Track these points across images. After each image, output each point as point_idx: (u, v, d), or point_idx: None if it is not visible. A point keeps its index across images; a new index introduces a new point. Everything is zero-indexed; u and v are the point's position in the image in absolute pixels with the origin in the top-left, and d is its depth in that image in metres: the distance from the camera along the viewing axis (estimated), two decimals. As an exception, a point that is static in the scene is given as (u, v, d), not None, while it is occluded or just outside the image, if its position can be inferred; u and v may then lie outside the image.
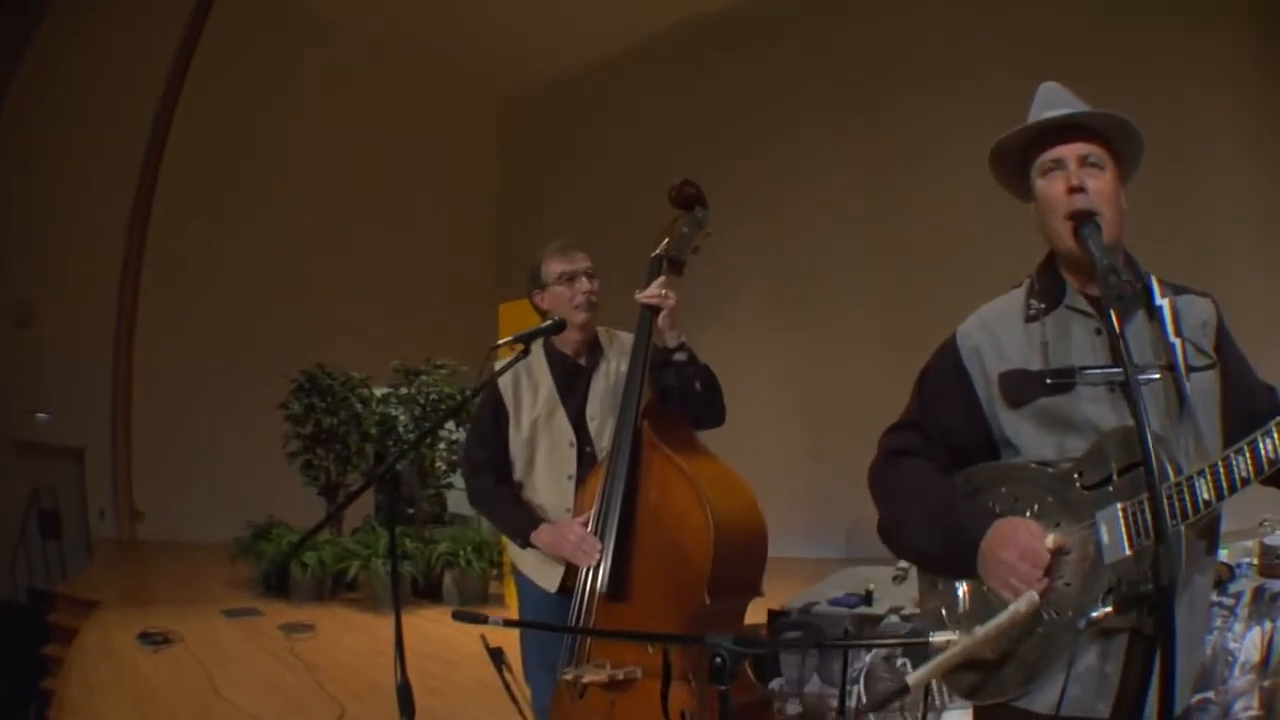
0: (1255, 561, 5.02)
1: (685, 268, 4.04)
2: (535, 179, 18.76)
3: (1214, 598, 4.74)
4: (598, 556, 3.77)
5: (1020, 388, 2.56)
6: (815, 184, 14.79)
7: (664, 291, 3.89)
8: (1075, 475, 2.45)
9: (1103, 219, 2.45)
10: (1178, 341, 2.45)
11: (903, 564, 5.50)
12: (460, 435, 12.32)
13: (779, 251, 14.63)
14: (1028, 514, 2.51)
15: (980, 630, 2.29)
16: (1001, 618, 2.31)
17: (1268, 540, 4.70)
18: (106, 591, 11.61)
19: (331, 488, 13.00)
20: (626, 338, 4.24)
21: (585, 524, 3.88)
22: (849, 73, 14.66)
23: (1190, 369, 2.46)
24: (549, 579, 4.16)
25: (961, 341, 2.73)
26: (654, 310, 3.89)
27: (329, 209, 17.72)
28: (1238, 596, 4.89)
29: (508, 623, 2.91)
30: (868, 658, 4.80)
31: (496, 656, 3.18)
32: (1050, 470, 2.52)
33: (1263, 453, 2.20)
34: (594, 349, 4.39)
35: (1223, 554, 4.45)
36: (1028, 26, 13.28)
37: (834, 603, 5.05)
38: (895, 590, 5.28)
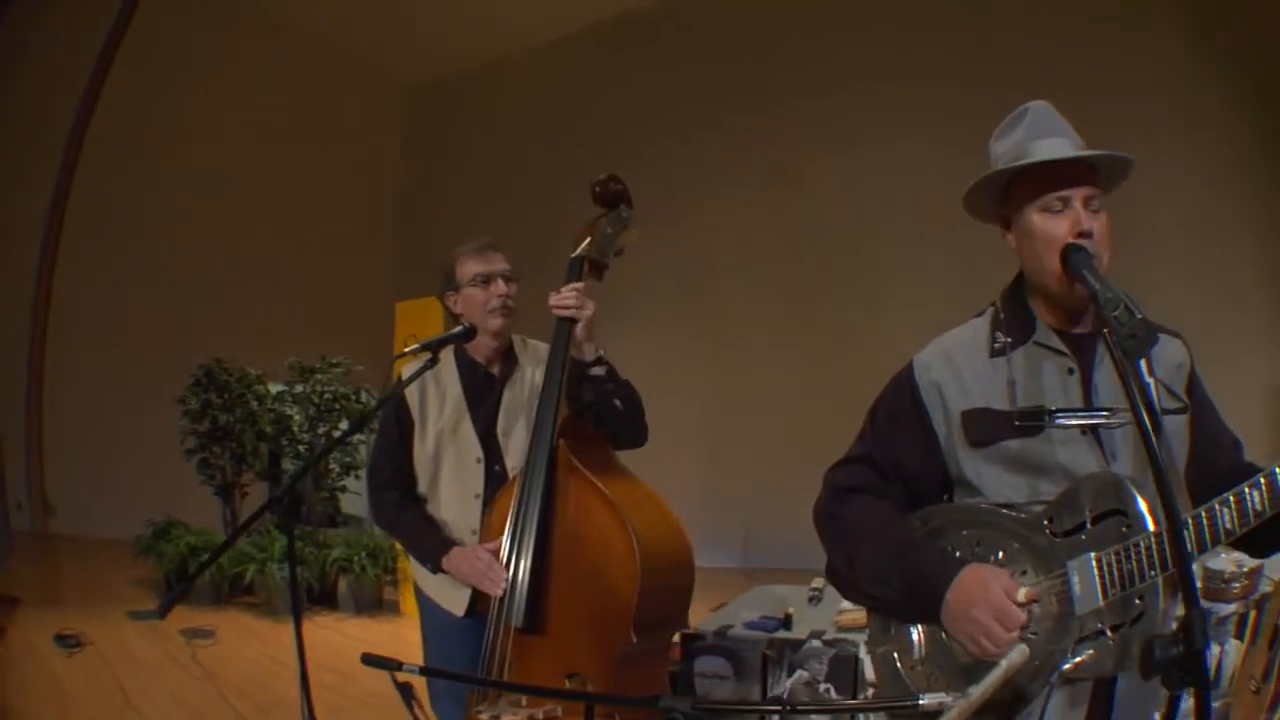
0: (1200, 585, 4.95)
1: (607, 271, 3.79)
2: (438, 175, 18.42)
3: None
4: (504, 587, 3.51)
5: (985, 428, 2.44)
6: (719, 185, 14.72)
7: (579, 299, 3.61)
8: (1045, 521, 2.32)
9: (1099, 263, 2.32)
10: (1152, 382, 2.26)
11: (817, 584, 5.38)
12: (356, 438, 12.15)
13: (680, 252, 14.40)
14: (991, 560, 2.37)
15: (975, 690, 2.10)
16: (995, 675, 2.13)
17: (1211, 564, 4.61)
18: (26, 588, 11.39)
19: (227, 487, 12.68)
20: (543, 347, 4.01)
21: (496, 550, 3.61)
22: (755, 75, 14.62)
23: (1164, 411, 2.33)
24: (456, 603, 3.94)
25: (919, 373, 2.59)
26: (570, 320, 3.62)
27: (236, 201, 17.29)
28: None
29: (422, 670, 2.67)
30: (789, 682, 4.59)
31: (406, 693, 2.94)
32: (1016, 514, 2.38)
33: (1249, 506, 2.09)
34: (507, 357, 4.14)
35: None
36: (945, 32, 13.29)
37: (750, 625, 4.83)
38: (813, 612, 5.12)
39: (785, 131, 14.20)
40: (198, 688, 7.83)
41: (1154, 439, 1.99)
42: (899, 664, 2.50)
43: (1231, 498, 2.09)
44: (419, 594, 4.17)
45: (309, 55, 17.70)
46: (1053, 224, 2.37)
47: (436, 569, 3.87)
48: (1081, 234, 2.33)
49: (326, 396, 12.21)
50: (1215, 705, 4.81)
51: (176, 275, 16.69)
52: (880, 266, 13.37)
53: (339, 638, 9.43)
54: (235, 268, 17.18)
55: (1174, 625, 2.42)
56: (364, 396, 12.42)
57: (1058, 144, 2.41)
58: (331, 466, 12.15)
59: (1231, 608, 4.86)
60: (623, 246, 3.82)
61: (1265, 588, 4.92)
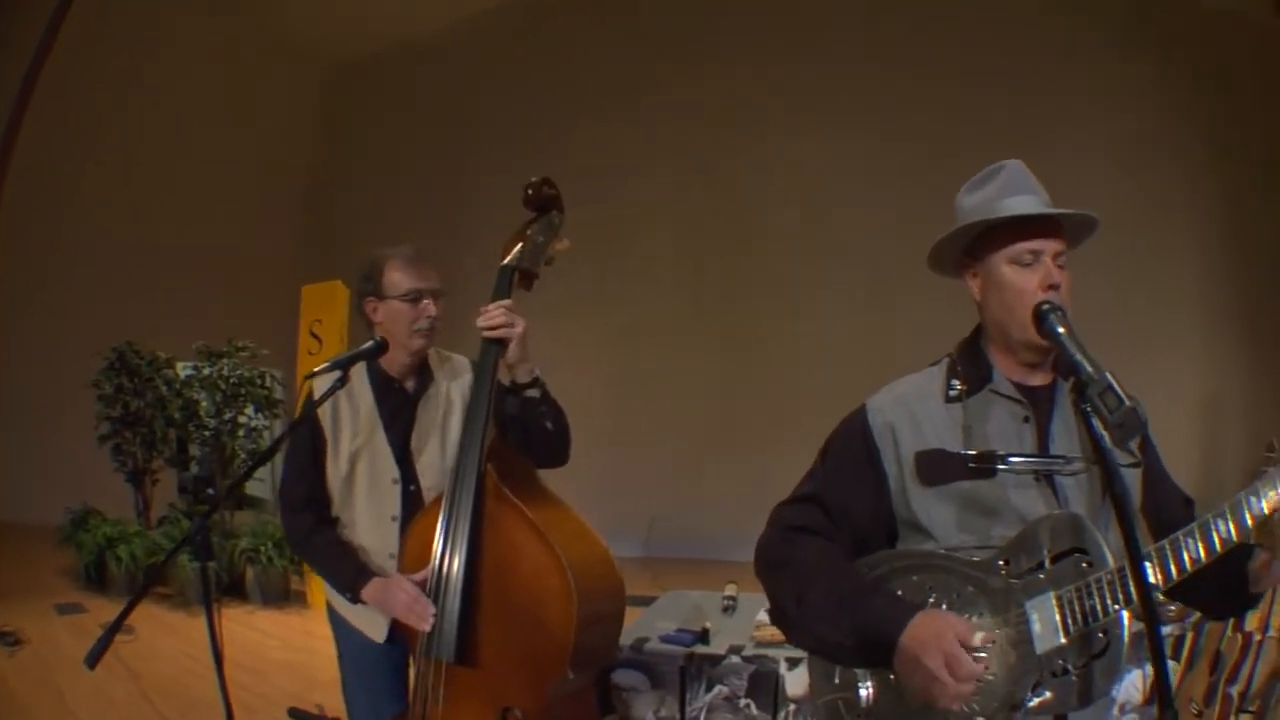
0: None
1: (537, 281, 3.65)
2: (350, 156, 18.08)
3: None
4: (431, 621, 3.35)
5: (939, 468, 2.44)
6: (621, 170, 14.63)
7: (510, 316, 3.47)
8: (1000, 563, 2.33)
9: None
10: (1106, 434, 2.28)
11: (730, 592, 5.38)
12: (260, 422, 12.14)
13: (587, 237, 14.23)
14: (944, 606, 2.36)
15: None
16: None
17: (1144, 584, 4.72)
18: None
19: (138, 474, 12.46)
20: (460, 360, 3.93)
21: (422, 582, 3.43)
22: (672, 60, 14.51)
23: (1119, 465, 2.36)
24: (375, 629, 3.79)
25: (872, 416, 2.58)
26: (500, 341, 3.48)
27: (151, 180, 16.86)
28: None
29: None
30: (708, 697, 4.60)
31: None
32: (967, 558, 2.39)
33: (1215, 536, 2.13)
34: (422, 371, 3.92)
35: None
36: (870, 20, 13.38)
37: (667, 639, 4.80)
38: (730, 624, 5.11)
39: (698, 119, 14.15)
40: (123, 688, 7.71)
41: (1118, 479, 2.10)
42: (845, 714, 2.49)
43: (1197, 528, 2.14)
44: (333, 615, 3.99)
45: (228, 33, 17.25)
46: (1024, 277, 2.42)
47: (355, 599, 3.67)
48: (1051, 287, 2.38)
49: (233, 381, 12.03)
50: (1151, 725, 4.92)
51: (95, 255, 16.37)
52: (790, 255, 13.43)
53: (250, 632, 9.33)
54: (151, 248, 16.84)
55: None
56: (269, 381, 12.29)
57: (1031, 201, 2.46)
58: (239, 454, 11.98)
59: (1167, 630, 4.93)
60: (554, 255, 3.70)
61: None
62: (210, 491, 11.91)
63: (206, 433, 12.01)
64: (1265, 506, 2.12)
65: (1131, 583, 2.12)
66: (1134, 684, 4.92)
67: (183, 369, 12.60)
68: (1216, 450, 12.45)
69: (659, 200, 14.35)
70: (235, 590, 10.90)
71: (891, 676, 2.37)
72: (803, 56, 13.54)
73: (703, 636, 4.79)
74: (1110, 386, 2.09)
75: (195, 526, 3.31)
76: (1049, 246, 2.43)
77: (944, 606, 2.35)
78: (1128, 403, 2.06)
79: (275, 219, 18.59)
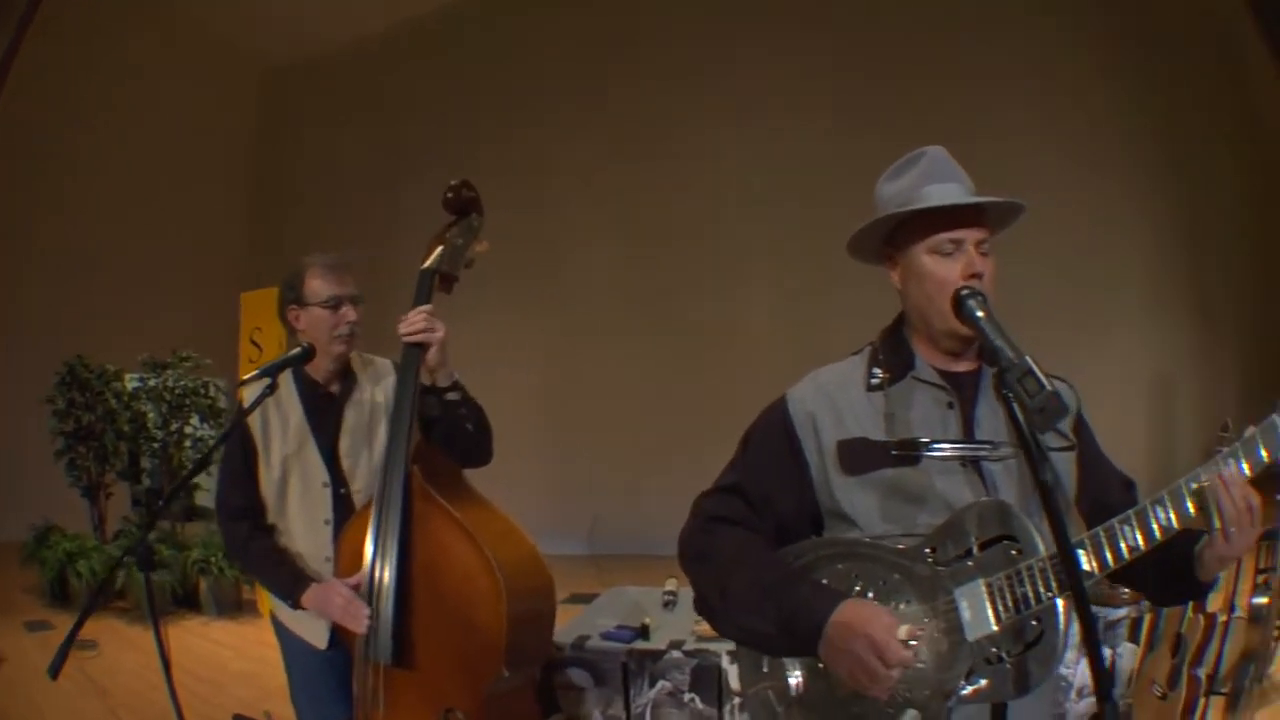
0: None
1: (456, 284, 3.66)
2: (291, 161, 17.89)
3: None
4: (367, 623, 3.38)
5: (862, 457, 2.38)
6: (560, 171, 14.55)
7: (430, 321, 3.49)
8: (927, 550, 2.27)
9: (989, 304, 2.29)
10: (1027, 419, 2.21)
11: (670, 586, 5.35)
12: (205, 432, 12.00)
13: (526, 234, 14.03)
14: (870, 594, 2.30)
15: None
16: None
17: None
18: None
19: (93, 489, 12.33)
20: (382, 364, 3.95)
21: (356, 585, 3.45)
22: (610, 54, 14.42)
23: (1049, 448, 2.31)
24: (316, 635, 3.80)
25: (793, 406, 2.51)
26: (421, 345, 3.49)
27: (96, 188, 16.61)
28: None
29: None
30: (652, 693, 4.59)
31: None
32: (893, 545, 2.32)
33: (1154, 523, 2.12)
34: (345, 375, 3.95)
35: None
36: (812, 14, 13.28)
37: (607, 636, 4.77)
38: (670, 618, 5.10)
39: (638, 112, 14.06)
40: (94, 704, 7.71)
41: (1043, 466, 2.01)
42: (775, 704, 2.43)
43: (1135, 515, 2.12)
44: (276, 623, 4.00)
45: (167, 41, 17.10)
46: (945, 266, 2.36)
47: (296, 606, 3.69)
48: (973, 275, 2.32)
49: (177, 392, 11.98)
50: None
51: (47, 269, 16.25)
52: (730, 252, 13.39)
53: (205, 643, 9.31)
54: (98, 260, 16.62)
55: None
56: (212, 390, 12.22)
57: (951, 189, 2.40)
58: (186, 464, 11.84)
59: (1123, 612, 4.91)
60: (473, 258, 3.71)
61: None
62: (161, 503, 11.74)
63: (155, 444, 11.94)
64: (1214, 515, 2.12)
65: (1075, 565, 2.05)
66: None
67: (130, 381, 12.51)
68: (1168, 431, 12.55)
69: (597, 200, 14.26)
70: (190, 602, 10.85)
71: (820, 665, 2.32)
72: (742, 51, 13.48)
73: (643, 632, 4.78)
74: (1030, 371, 2.03)
75: (136, 539, 3.25)
76: (970, 235, 2.37)
77: (870, 595, 2.31)
78: (1049, 387, 2.00)
79: (217, 226, 18.38)
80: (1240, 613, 4.92)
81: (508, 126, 14.80)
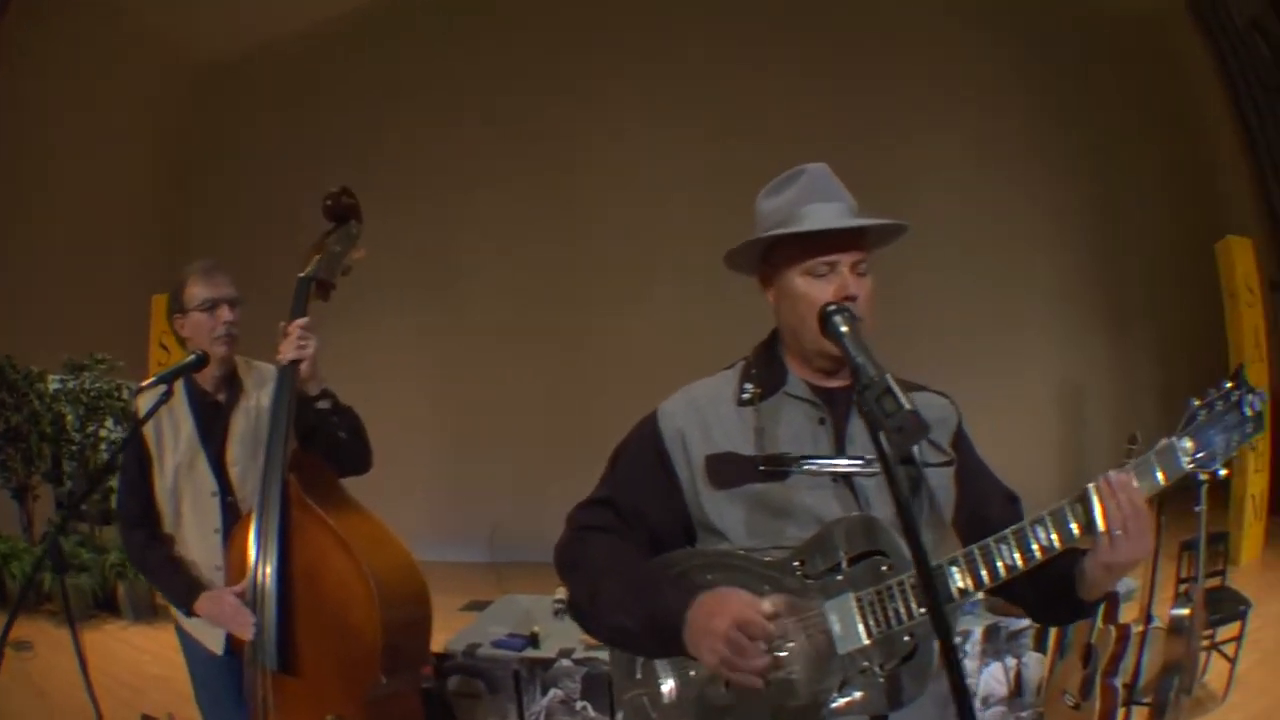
0: (981, 598, 4.98)
1: (333, 291, 3.69)
2: (217, 162, 17.68)
3: None
4: (253, 630, 3.38)
5: (730, 471, 2.35)
6: (459, 178, 14.19)
7: (303, 341, 3.51)
8: (795, 563, 2.24)
9: (863, 326, 2.23)
10: (886, 439, 2.16)
11: (560, 595, 5.37)
12: (120, 435, 11.81)
13: (424, 242, 13.99)
14: None
15: None
16: None
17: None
18: None
19: (20, 490, 12.14)
20: (266, 369, 3.91)
21: (241, 593, 3.47)
22: (519, 63, 14.22)
23: (925, 464, 2.35)
24: (213, 641, 3.81)
25: (663, 421, 2.48)
26: (295, 362, 3.52)
27: (14, 185, 16.46)
28: (965, 635, 4.93)
29: None
30: (544, 701, 4.69)
31: None
32: (763, 557, 2.29)
33: (1034, 543, 2.10)
34: (232, 383, 3.97)
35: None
36: (725, 24, 13.18)
37: (498, 644, 4.88)
38: (560, 627, 5.15)
39: (536, 123, 13.95)
40: (34, 705, 7.69)
41: (901, 484, 1.94)
42: (649, 710, 2.39)
43: (1013, 535, 2.10)
44: (178, 629, 4.01)
45: (95, 32, 16.93)
46: (817, 288, 2.31)
47: (190, 613, 3.72)
48: (847, 298, 2.27)
49: (94, 394, 11.94)
50: (1024, 715, 4.86)
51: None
52: (629, 262, 13.24)
53: (124, 647, 9.24)
54: (22, 259, 16.38)
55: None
56: (126, 394, 12.05)
57: (830, 209, 2.35)
58: (101, 466, 11.71)
59: (1026, 621, 4.94)
60: (350, 265, 3.72)
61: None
62: (83, 508, 11.57)
63: (74, 447, 11.84)
64: (1098, 516, 2.09)
65: (933, 585, 2.00)
66: (996, 677, 4.86)
67: (53, 382, 12.40)
68: (1079, 440, 12.64)
69: (494, 208, 14.07)
70: (110, 605, 10.71)
71: (692, 671, 2.30)
72: (639, 61, 13.35)
73: (533, 640, 4.88)
74: (889, 389, 1.96)
75: (47, 543, 3.31)
76: (846, 258, 2.33)
77: None
78: (907, 406, 1.94)
79: (137, 225, 18.15)
80: (1159, 623, 4.91)
81: (412, 131, 14.51)
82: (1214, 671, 6.09)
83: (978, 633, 4.89)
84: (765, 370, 2.45)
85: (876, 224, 2.35)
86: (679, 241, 12.49)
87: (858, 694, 2.13)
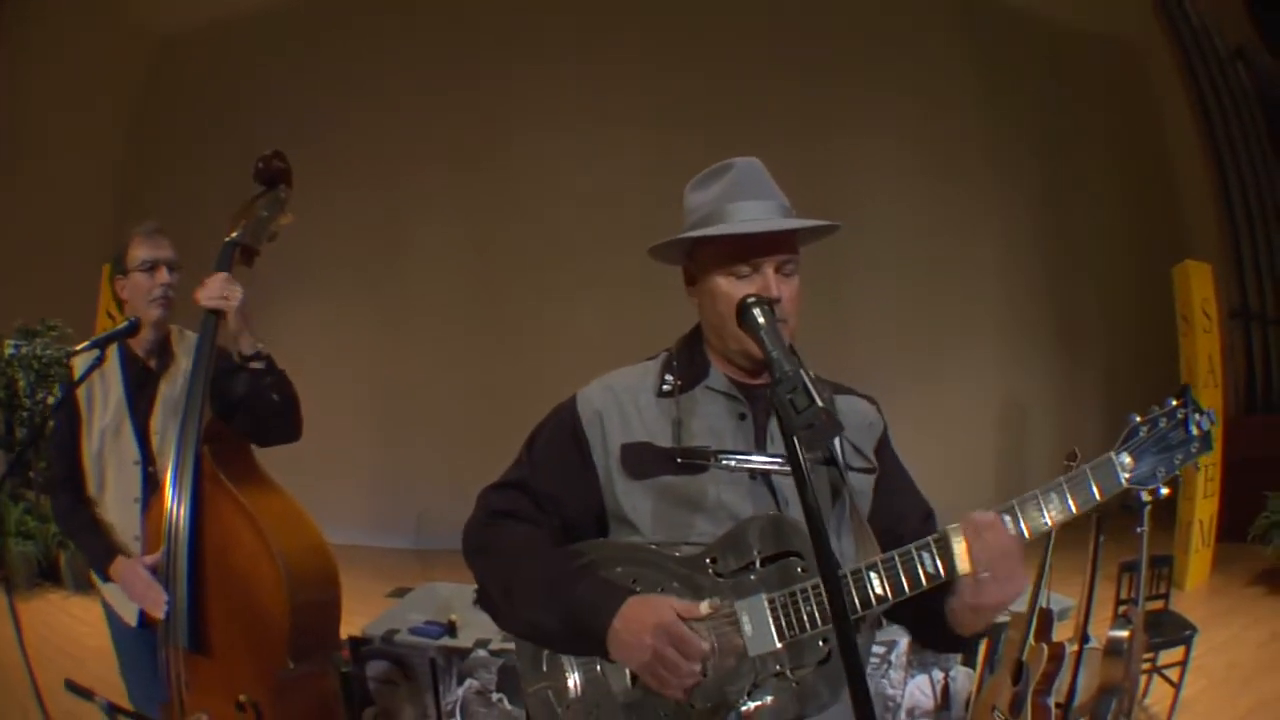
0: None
1: (258, 257, 3.67)
2: (171, 133, 17.56)
3: None
4: (165, 606, 3.35)
5: (645, 461, 2.32)
6: (402, 161, 14.11)
7: (225, 291, 3.48)
8: (707, 560, 2.21)
9: (787, 329, 2.24)
10: (797, 436, 2.14)
11: None
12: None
13: (364, 226, 13.98)
14: None
15: None
16: None
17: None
18: None
19: (-27, 455, 12.21)
20: (195, 338, 3.79)
21: (153, 566, 3.42)
22: (464, 48, 14.07)
23: (848, 467, 2.34)
24: (128, 612, 3.78)
25: (582, 406, 2.44)
26: (217, 314, 3.49)
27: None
28: (890, 645, 4.90)
29: (112, 707, 2.51)
30: (460, 691, 4.69)
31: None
32: (674, 553, 2.25)
33: (919, 569, 2.05)
34: (164, 350, 3.92)
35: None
36: (668, 16, 13.15)
37: (416, 631, 4.90)
38: (478, 616, 5.00)
39: (484, 111, 13.85)
40: None
41: (808, 484, 1.94)
42: (555, 704, 2.35)
43: (933, 542, 2.05)
44: (102, 600, 3.97)
45: (52, 4, 16.77)
46: (740, 289, 2.25)
47: (105, 577, 3.71)
48: (772, 301, 2.21)
49: (45, 361, 11.87)
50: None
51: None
52: (561, 249, 13.16)
53: (65, 617, 9.25)
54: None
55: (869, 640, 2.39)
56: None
57: (757, 208, 2.29)
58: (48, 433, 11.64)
59: (955, 634, 4.85)
60: (276, 231, 3.69)
61: (1001, 616, 4.92)
62: (31, 475, 11.50)
63: (25, 413, 11.79)
64: (960, 559, 2.04)
65: (854, 589, 2.07)
66: (922, 689, 4.83)
67: (8, 347, 12.34)
68: (1020, 457, 12.60)
69: (432, 192, 13.94)
70: (53, 575, 10.74)
71: (598, 666, 2.27)
72: (580, 51, 13.25)
73: (450, 629, 4.88)
74: (803, 385, 1.93)
75: None
76: (770, 260, 2.27)
77: None
78: (819, 403, 1.91)
79: (89, 195, 17.98)
80: (1095, 644, 4.87)
81: (357, 111, 14.29)
82: (1156, 695, 6.09)
83: (903, 644, 4.86)
84: (687, 363, 2.42)
85: (801, 226, 2.30)
86: (618, 233, 12.42)
87: (769, 698, 2.09)
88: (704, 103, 12.15)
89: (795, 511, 2.16)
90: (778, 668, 2.10)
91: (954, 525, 2.05)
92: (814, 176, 11.37)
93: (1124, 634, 4.71)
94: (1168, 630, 5.91)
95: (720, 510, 2.25)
